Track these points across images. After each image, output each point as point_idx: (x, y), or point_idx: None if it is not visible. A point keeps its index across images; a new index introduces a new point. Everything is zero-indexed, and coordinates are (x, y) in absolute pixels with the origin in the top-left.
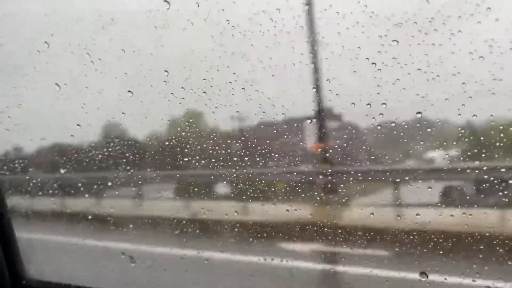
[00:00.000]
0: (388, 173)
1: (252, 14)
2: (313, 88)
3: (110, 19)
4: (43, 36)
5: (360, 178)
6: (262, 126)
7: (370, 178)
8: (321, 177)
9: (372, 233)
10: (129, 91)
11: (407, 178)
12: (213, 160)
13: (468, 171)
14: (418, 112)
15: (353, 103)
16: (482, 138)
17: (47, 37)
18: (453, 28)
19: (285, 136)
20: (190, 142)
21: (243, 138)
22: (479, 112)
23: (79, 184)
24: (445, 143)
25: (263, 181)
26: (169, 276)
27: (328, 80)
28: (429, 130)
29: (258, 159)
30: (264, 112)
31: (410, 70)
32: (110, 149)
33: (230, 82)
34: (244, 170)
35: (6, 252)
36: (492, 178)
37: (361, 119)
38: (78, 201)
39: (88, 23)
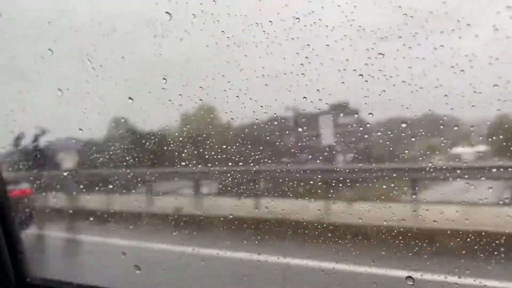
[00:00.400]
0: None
1: (246, 26)
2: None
3: (110, 27)
4: (47, 43)
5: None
6: None
7: None
8: None
9: None
10: (129, 98)
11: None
12: None
13: None
14: (403, 122)
15: (341, 113)
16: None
17: (50, 44)
18: (436, 42)
19: None
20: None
21: None
22: (459, 123)
23: (81, 184)
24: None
25: None
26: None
27: (318, 90)
28: (413, 139)
29: None
30: (257, 119)
31: (395, 82)
32: (111, 152)
33: (225, 90)
34: None
35: (11, 251)
36: None
37: (348, 127)
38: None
39: (90, 31)
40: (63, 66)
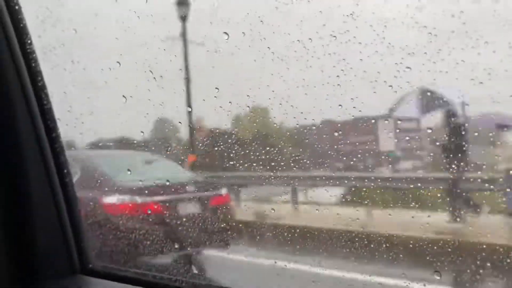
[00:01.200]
0: None
1: (289, 43)
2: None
3: (170, 42)
4: (114, 56)
5: None
6: None
7: None
8: None
9: None
10: (188, 106)
11: None
12: None
13: None
14: (429, 128)
15: (373, 119)
16: None
17: (117, 57)
18: (457, 58)
19: None
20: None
21: None
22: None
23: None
24: None
25: None
26: None
27: (352, 98)
28: None
29: None
30: (297, 124)
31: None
32: (168, 153)
33: (269, 99)
34: None
35: (76, 238)
36: None
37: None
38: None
39: (152, 46)
40: (128, 76)
